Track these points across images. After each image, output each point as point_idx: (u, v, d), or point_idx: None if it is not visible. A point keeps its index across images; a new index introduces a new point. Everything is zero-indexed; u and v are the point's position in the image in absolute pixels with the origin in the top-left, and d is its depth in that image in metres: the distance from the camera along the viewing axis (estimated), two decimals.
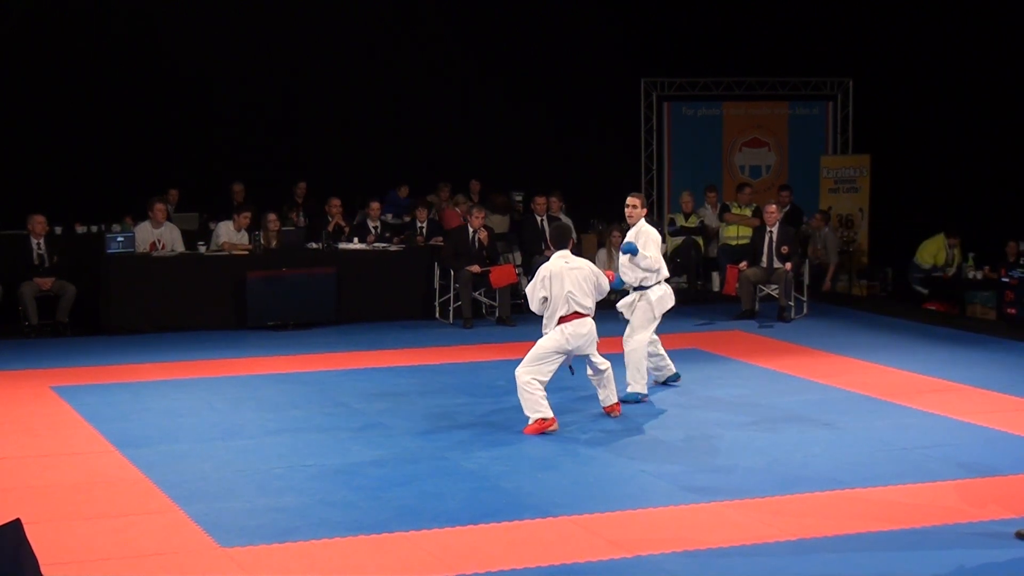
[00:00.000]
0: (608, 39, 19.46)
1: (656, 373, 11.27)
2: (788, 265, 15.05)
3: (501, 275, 14.93)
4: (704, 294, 17.25)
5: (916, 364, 12.33)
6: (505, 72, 18.98)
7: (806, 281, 15.60)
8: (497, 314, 15.01)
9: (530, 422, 9.52)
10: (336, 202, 16.18)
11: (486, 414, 10.21)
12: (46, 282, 14.11)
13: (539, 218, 16.35)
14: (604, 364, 9.89)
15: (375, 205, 16.22)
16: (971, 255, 16.43)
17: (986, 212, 17.38)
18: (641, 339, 10.72)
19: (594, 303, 9.81)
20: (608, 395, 10.05)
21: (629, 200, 10.89)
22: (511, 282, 15.09)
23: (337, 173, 17.67)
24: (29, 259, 14.20)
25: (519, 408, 10.32)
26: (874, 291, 17.77)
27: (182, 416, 10.17)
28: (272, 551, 6.92)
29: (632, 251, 10.70)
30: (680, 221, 17.60)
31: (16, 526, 5.79)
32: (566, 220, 16.88)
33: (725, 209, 17.22)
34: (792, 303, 15.16)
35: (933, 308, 15.99)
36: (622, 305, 10.99)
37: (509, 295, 15.08)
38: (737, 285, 15.32)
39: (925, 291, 16.75)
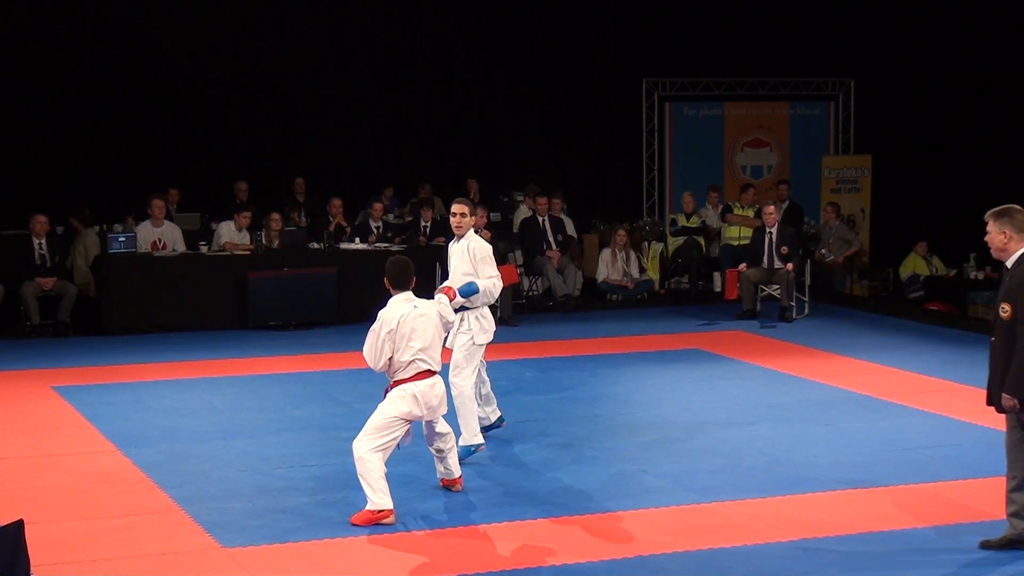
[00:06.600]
0: (609, 39, 19.46)
1: (482, 420, 9.22)
2: (789, 265, 15.06)
3: (503, 275, 14.89)
4: (705, 294, 17.24)
5: (917, 364, 12.32)
6: (506, 72, 18.98)
7: (807, 281, 15.60)
8: (499, 314, 14.97)
9: (365, 507, 7.48)
10: (337, 202, 16.19)
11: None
12: (47, 282, 14.11)
13: (541, 219, 16.37)
14: (447, 430, 7.99)
15: (377, 205, 16.23)
16: (972, 255, 16.41)
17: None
18: (468, 379, 8.88)
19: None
20: (450, 468, 8.09)
21: (455, 207, 8.95)
22: (513, 282, 15.03)
23: (337, 172, 17.68)
24: (31, 259, 14.20)
25: (519, 408, 10.32)
26: (875, 291, 17.75)
27: (183, 416, 10.18)
28: (273, 551, 6.93)
29: (471, 292, 8.79)
30: (681, 221, 17.59)
31: (18, 527, 5.80)
32: (569, 221, 16.95)
33: (727, 210, 17.20)
34: (793, 303, 15.16)
35: (934, 308, 15.98)
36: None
37: (511, 295, 15.08)
38: (738, 286, 15.32)
39: (921, 292, 16.73)
